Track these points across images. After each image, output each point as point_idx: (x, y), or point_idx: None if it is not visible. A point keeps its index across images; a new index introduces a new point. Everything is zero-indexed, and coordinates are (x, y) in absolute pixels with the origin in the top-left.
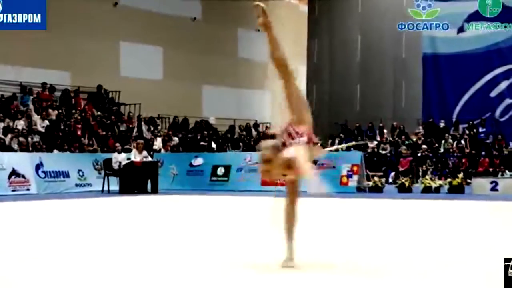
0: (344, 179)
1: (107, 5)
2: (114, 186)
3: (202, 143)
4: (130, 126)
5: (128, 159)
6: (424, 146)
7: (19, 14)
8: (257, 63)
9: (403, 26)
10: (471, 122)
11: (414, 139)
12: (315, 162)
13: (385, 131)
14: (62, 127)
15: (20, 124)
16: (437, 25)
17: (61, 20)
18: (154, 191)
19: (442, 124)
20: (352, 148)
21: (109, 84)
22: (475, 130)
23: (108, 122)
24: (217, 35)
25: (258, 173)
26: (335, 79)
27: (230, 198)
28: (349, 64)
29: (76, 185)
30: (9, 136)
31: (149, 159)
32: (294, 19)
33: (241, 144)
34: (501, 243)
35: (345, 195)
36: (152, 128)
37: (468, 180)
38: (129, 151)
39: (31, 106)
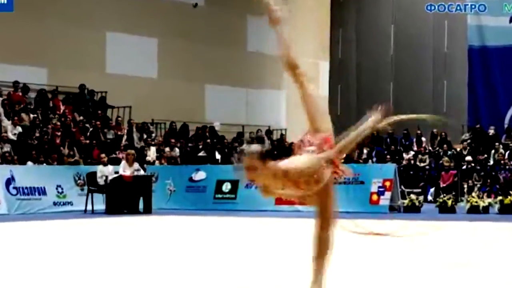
0: (374, 197)
1: None
2: (100, 205)
3: (203, 153)
4: (119, 133)
5: (116, 172)
6: (469, 157)
7: None
8: (271, 57)
9: (433, 8)
10: None
11: (458, 149)
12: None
13: (423, 139)
14: (37, 134)
15: None
16: (473, 6)
17: (36, 7)
18: (147, 210)
19: (491, 131)
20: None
21: (93, 83)
22: None
23: (92, 128)
24: (223, 24)
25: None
26: (364, 77)
27: (238, 219)
28: (381, 59)
29: (54, 203)
30: None
31: (141, 172)
32: (315, 5)
33: None
34: None
35: (375, 216)
36: (145, 136)
37: None
38: (117, 163)
39: (1, 110)
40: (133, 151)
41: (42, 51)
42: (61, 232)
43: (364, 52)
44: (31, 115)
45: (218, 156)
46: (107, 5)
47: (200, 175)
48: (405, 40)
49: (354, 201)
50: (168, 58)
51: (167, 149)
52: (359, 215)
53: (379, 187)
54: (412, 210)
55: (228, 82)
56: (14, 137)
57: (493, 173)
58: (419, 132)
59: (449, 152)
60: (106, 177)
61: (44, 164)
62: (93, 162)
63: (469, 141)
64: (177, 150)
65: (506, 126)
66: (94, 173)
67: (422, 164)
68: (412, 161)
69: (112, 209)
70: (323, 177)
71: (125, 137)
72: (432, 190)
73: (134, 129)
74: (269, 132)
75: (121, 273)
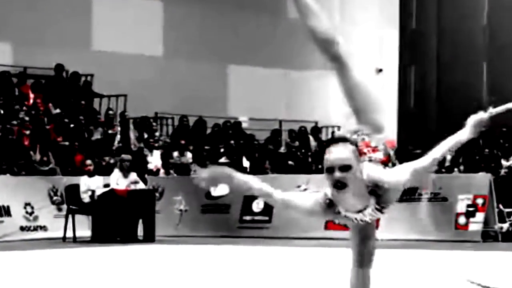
0: (462, 220)
1: None
2: (84, 231)
3: (225, 159)
4: (110, 131)
5: (107, 185)
6: None
7: None
8: None
9: None
10: None
11: None
12: None
13: None
14: None
15: None
16: None
17: None
18: (149, 238)
19: None
20: None
21: (74, 63)
22: None
23: (74, 125)
24: None
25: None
26: (447, 55)
27: (274, 249)
28: (470, 30)
29: (22, 228)
30: None
31: (141, 186)
32: None
33: (291, 161)
34: None
35: (463, 246)
36: (145, 136)
37: None
38: (107, 172)
39: None
40: (129, 156)
41: (5, 22)
42: (30, 267)
43: (447, 22)
44: None
45: (246, 163)
46: None
47: (221, 189)
48: (504, 5)
49: (434, 225)
50: (178, 29)
51: (175, 153)
52: (441, 244)
53: (469, 205)
54: None
55: (260, 61)
56: None
57: None
58: None
59: None
60: (93, 192)
61: (8, 174)
62: (75, 171)
63: None
64: (189, 154)
65: None
66: (77, 186)
67: None
68: None
69: (101, 236)
70: None
71: (118, 137)
72: None
73: (131, 126)
74: (316, 129)
75: None
